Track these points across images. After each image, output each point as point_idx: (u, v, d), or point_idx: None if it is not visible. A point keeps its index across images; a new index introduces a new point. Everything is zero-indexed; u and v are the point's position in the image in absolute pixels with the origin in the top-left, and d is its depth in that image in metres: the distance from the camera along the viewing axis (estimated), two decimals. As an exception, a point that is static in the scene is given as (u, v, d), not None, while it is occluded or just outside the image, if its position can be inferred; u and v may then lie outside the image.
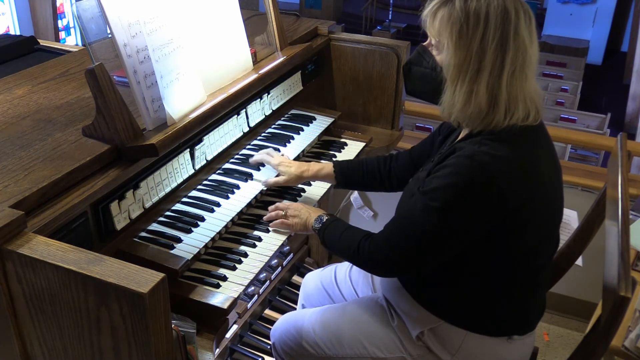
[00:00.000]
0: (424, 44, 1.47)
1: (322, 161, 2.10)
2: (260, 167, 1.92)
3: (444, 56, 1.38)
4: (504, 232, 1.36)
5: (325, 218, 1.64)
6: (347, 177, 1.85)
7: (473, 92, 1.33)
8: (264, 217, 1.76)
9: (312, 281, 2.00)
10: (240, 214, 1.75)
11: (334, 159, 2.06)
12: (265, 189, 1.86)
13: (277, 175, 1.86)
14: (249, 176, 1.87)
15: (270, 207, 1.76)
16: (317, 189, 1.95)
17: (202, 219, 1.67)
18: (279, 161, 1.85)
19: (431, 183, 1.35)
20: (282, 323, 1.78)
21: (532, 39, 1.34)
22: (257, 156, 1.90)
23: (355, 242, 1.50)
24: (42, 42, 2.54)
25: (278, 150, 2.01)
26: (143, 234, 1.60)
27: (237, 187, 1.82)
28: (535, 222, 1.39)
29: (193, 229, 1.63)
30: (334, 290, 1.93)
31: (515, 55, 1.31)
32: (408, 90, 1.58)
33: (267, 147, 2.03)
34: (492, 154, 1.31)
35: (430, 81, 1.44)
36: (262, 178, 1.87)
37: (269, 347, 2.25)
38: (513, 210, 1.33)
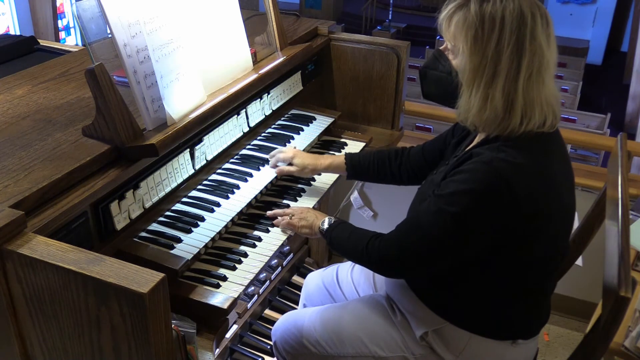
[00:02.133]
0: (441, 48, 1.47)
1: (333, 153, 2.14)
2: (261, 168, 1.93)
3: (459, 61, 1.37)
4: (517, 239, 1.35)
5: (332, 220, 1.65)
6: (357, 169, 1.89)
7: (489, 96, 1.32)
8: (268, 212, 1.76)
9: (313, 281, 2.00)
10: (240, 214, 1.75)
11: (345, 152, 2.08)
12: (263, 189, 1.86)
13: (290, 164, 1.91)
14: (249, 176, 1.88)
15: (278, 211, 1.76)
16: (317, 189, 1.95)
17: (202, 219, 1.67)
18: (293, 153, 1.91)
19: (447, 187, 1.35)
20: (283, 322, 1.78)
21: (549, 42, 1.33)
22: (272, 160, 1.93)
23: (364, 242, 1.49)
24: (42, 42, 2.54)
25: (289, 142, 2.07)
26: (143, 234, 1.60)
27: (237, 187, 1.82)
28: (549, 231, 1.38)
29: (193, 229, 1.63)
30: (335, 290, 1.93)
31: (531, 59, 1.30)
32: (424, 94, 1.58)
33: (267, 147, 2.04)
34: (509, 161, 1.30)
35: (445, 85, 1.44)
36: (263, 178, 1.87)
37: (269, 347, 2.25)
38: (528, 218, 1.32)
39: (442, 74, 1.45)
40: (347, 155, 1.91)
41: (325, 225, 1.64)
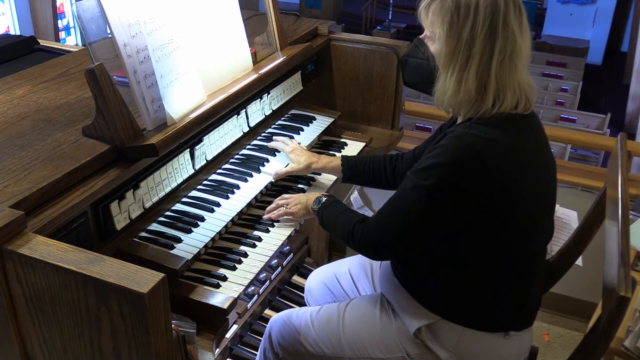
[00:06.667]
0: (420, 36, 1.53)
1: (333, 153, 2.15)
2: (261, 168, 1.93)
3: (436, 46, 1.43)
4: (493, 215, 1.38)
5: (323, 199, 1.69)
6: (353, 172, 1.92)
7: (463, 79, 1.38)
8: (264, 215, 1.77)
9: (316, 278, 2.02)
10: (240, 214, 1.75)
11: (342, 154, 2.11)
12: (263, 189, 1.86)
13: (287, 165, 1.94)
14: (249, 176, 1.88)
15: (269, 207, 1.78)
16: (317, 189, 1.95)
17: (202, 219, 1.67)
18: (292, 149, 1.95)
19: (421, 163, 1.40)
20: (282, 316, 1.76)
21: (522, 29, 1.38)
22: (274, 143, 2.00)
23: (350, 225, 1.54)
24: (42, 42, 2.54)
25: (292, 137, 2.09)
26: (143, 234, 1.60)
27: (237, 187, 1.82)
28: (524, 206, 1.41)
29: (193, 229, 1.63)
30: (334, 285, 1.94)
31: (504, 44, 1.35)
32: (405, 81, 1.64)
33: (267, 147, 2.04)
34: (480, 136, 1.35)
35: (424, 71, 1.49)
36: (263, 178, 1.88)
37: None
38: (500, 190, 1.35)
39: (422, 60, 1.51)
40: (344, 157, 1.94)
41: (316, 205, 1.69)
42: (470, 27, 1.35)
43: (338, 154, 2.16)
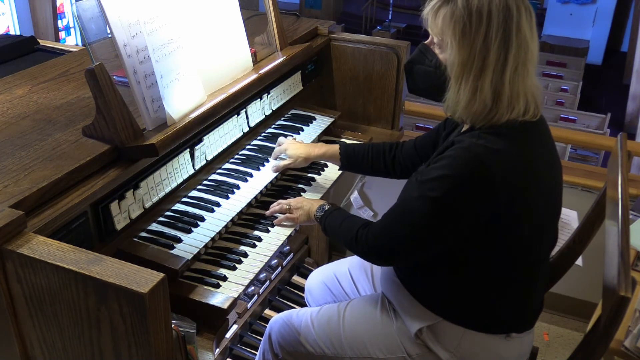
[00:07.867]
0: (426, 42, 1.48)
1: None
2: (261, 168, 1.93)
3: (447, 54, 1.38)
4: (499, 225, 1.37)
5: (327, 207, 1.67)
6: (351, 159, 1.90)
7: (477, 89, 1.34)
8: (267, 212, 1.77)
9: (316, 278, 2.01)
10: (240, 214, 1.75)
11: (340, 141, 2.11)
12: (264, 189, 1.86)
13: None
14: (249, 176, 1.88)
15: (272, 205, 1.77)
16: (318, 188, 1.95)
17: (202, 219, 1.67)
18: (287, 146, 1.94)
19: (428, 173, 1.37)
20: (282, 317, 1.76)
21: (532, 34, 1.35)
22: (273, 154, 1.98)
23: (354, 231, 1.53)
24: (42, 42, 2.54)
25: (292, 137, 2.08)
26: (143, 234, 1.60)
27: (237, 187, 1.82)
28: (532, 215, 1.39)
29: (193, 229, 1.63)
30: (335, 285, 1.94)
31: (518, 51, 1.32)
32: (410, 88, 1.59)
33: (267, 147, 2.04)
34: (488, 147, 1.32)
35: (433, 79, 1.45)
36: (263, 178, 1.88)
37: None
38: (508, 201, 1.34)
39: (430, 68, 1.46)
40: (342, 146, 1.92)
41: (320, 213, 1.67)
42: (483, 35, 1.31)
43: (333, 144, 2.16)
